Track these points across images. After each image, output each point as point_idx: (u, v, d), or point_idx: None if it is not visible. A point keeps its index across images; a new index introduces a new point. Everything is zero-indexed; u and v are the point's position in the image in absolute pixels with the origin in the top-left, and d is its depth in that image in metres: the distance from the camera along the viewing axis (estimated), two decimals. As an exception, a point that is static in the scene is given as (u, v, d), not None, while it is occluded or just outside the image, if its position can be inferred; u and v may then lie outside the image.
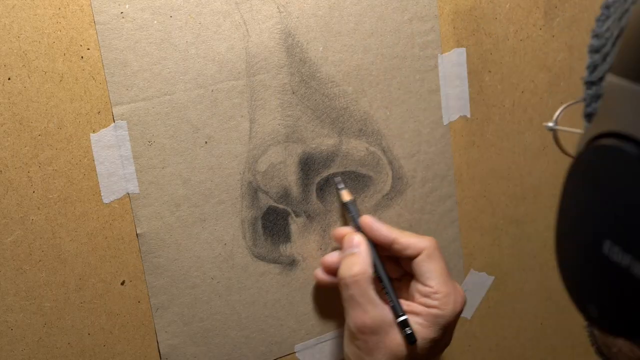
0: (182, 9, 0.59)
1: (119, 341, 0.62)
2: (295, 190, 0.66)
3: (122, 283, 0.61)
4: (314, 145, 0.66)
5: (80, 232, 0.59)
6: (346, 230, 0.66)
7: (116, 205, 0.60)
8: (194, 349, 0.65)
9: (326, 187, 0.67)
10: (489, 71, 0.72)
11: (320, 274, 0.67)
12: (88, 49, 0.57)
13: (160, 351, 0.64)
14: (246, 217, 0.64)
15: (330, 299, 0.69)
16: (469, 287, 0.76)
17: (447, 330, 0.64)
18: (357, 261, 0.63)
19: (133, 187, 0.60)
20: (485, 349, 0.79)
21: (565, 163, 0.83)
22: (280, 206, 0.66)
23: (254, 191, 0.64)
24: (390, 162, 0.69)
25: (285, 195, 0.65)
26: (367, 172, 0.68)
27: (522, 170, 0.77)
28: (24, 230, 0.57)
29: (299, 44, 0.63)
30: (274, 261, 0.66)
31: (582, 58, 0.77)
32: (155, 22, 0.58)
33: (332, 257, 0.67)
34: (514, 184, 0.77)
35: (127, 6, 0.57)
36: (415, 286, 0.64)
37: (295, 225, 0.67)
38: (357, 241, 0.65)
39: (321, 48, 0.64)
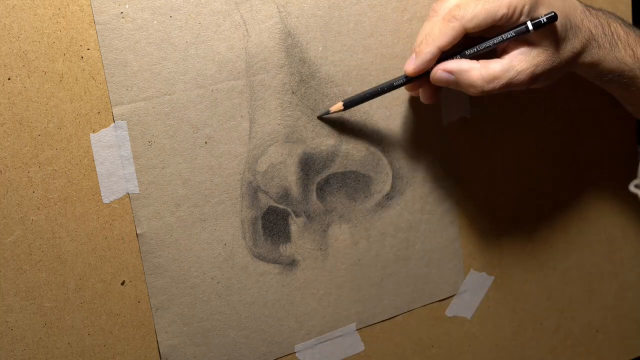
0: (182, 9, 0.59)
1: (119, 341, 0.62)
2: (295, 190, 0.66)
3: (122, 283, 0.61)
4: (314, 145, 0.66)
5: (80, 232, 0.59)
6: (415, 88, 0.65)
7: (116, 205, 0.60)
8: (194, 349, 0.65)
9: (326, 187, 0.67)
10: (489, 71, 0.72)
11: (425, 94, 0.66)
12: (88, 49, 0.57)
13: (160, 351, 0.64)
14: (246, 217, 0.64)
15: (330, 299, 0.70)
16: (469, 287, 0.76)
17: None
18: (466, 77, 0.62)
19: (133, 187, 0.60)
20: (485, 349, 0.79)
21: (564, 163, 0.83)
22: (280, 206, 0.66)
23: (254, 191, 0.64)
24: (390, 162, 0.69)
25: (285, 195, 0.65)
26: (367, 172, 0.69)
27: (522, 170, 0.77)
28: (24, 230, 0.57)
29: (299, 44, 0.63)
30: (274, 261, 0.66)
31: (582, 58, 0.77)
32: (155, 22, 0.58)
33: (426, 94, 0.66)
34: (514, 184, 0.77)
35: (127, 6, 0.57)
36: (497, 28, 0.62)
37: (295, 225, 0.67)
38: (442, 73, 0.63)
39: (321, 48, 0.64)
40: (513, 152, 0.76)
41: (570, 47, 0.64)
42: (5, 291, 0.58)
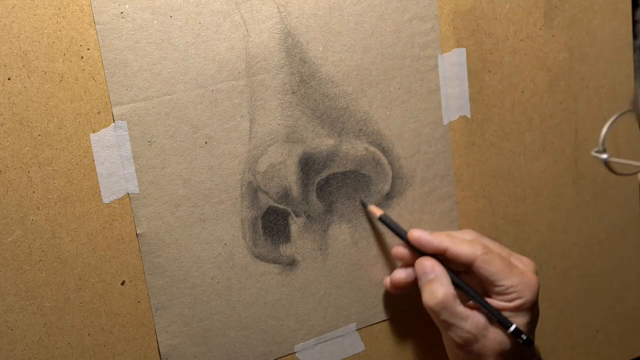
0: (182, 9, 0.59)
1: (119, 341, 0.62)
2: (295, 190, 0.66)
3: (122, 283, 0.61)
4: (314, 145, 0.66)
5: (80, 232, 0.59)
6: (403, 252, 0.68)
7: (116, 205, 0.60)
8: (194, 349, 0.65)
9: (326, 187, 0.67)
10: (489, 71, 0.72)
11: (392, 289, 0.69)
12: (88, 49, 0.57)
13: (160, 351, 0.64)
14: (246, 217, 0.64)
15: (330, 299, 0.69)
16: (469, 287, 0.76)
17: (534, 307, 0.66)
18: (437, 287, 0.64)
19: (133, 187, 0.60)
20: (485, 349, 0.79)
21: (564, 163, 0.83)
22: (280, 206, 0.66)
23: (254, 191, 0.64)
24: (390, 162, 0.69)
25: (285, 195, 0.65)
26: (367, 172, 0.68)
27: (522, 170, 0.77)
28: (24, 230, 0.57)
29: (299, 44, 0.63)
30: (274, 261, 0.66)
31: (583, 58, 0.77)
32: (155, 22, 0.58)
33: (400, 275, 0.68)
34: (514, 184, 0.77)
35: (127, 6, 0.57)
36: (487, 285, 0.65)
37: (295, 225, 0.67)
38: (431, 265, 0.65)
39: (321, 48, 0.64)
40: (513, 152, 0.76)
41: None
42: (5, 291, 0.58)
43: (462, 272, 0.67)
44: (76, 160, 0.58)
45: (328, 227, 0.68)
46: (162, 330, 0.63)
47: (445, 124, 0.71)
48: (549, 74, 0.75)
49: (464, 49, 0.71)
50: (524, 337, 0.64)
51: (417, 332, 0.75)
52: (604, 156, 0.50)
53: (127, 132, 0.59)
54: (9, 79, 0.55)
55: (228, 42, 0.61)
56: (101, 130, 0.58)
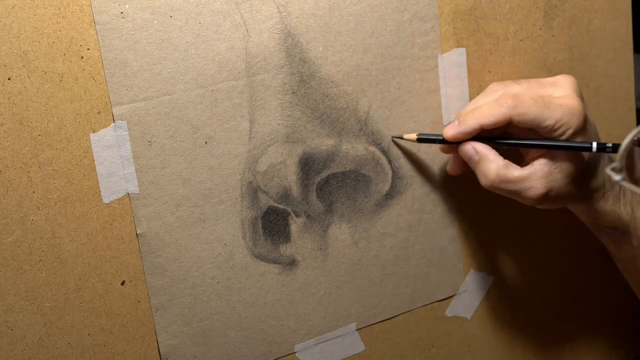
0: (182, 9, 0.59)
1: (119, 341, 0.62)
2: (295, 190, 0.66)
3: (122, 283, 0.61)
4: (314, 145, 0.66)
5: (80, 232, 0.59)
6: (446, 149, 0.67)
7: (116, 205, 0.60)
8: (194, 349, 0.65)
9: (326, 187, 0.67)
10: (489, 71, 0.72)
11: (453, 174, 0.69)
12: (88, 49, 0.57)
13: (160, 351, 0.64)
14: (246, 217, 0.64)
15: (330, 299, 0.70)
16: (469, 287, 0.76)
17: (587, 125, 0.64)
18: (486, 166, 0.64)
19: (133, 187, 0.60)
20: (485, 349, 0.79)
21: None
22: (280, 206, 0.66)
23: (254, 191, 0.64)
24: (390, 162, 0.69)
25: (285, 195, 0.65)
26: (367, 172, 0.69)
27: (522, 170, 0.77)
28: (24, 230, 0.57)
29: (299, 44, 0.63)
30: (274, 261, 0.66)
31: (583, 58, 0.77)
32: (155, 22, 0.58)
33: (452, 167, 0.68)
34: (514, 184, 0.77)
35: (127, 6, 0.57)
36: (535, 130, 0.64)
37: (295, 225, 0.67)
38: (471, 149, 0.65)
39: (321, 48, 0.64)
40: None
41: (584, 184, 0.65)
42: (5, 291, 0.58)
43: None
44: (76, 160, 0.58)
45: (328, 227, 0.68)
46: (162, 330, 0.63)
47: (445, 124, 0.71)
48: (549, 74, 0.75)
49: (464, 49, 0.71)
50: (608, 145, 0.61)
51: (417, 332, 0.75)
52: (618, 177, 0.48)
53: (127, 132, 0.59)
54: (9, 79, 0.55)
55: (228, 42, 0.61)
56: (101, 130, 0.58)
